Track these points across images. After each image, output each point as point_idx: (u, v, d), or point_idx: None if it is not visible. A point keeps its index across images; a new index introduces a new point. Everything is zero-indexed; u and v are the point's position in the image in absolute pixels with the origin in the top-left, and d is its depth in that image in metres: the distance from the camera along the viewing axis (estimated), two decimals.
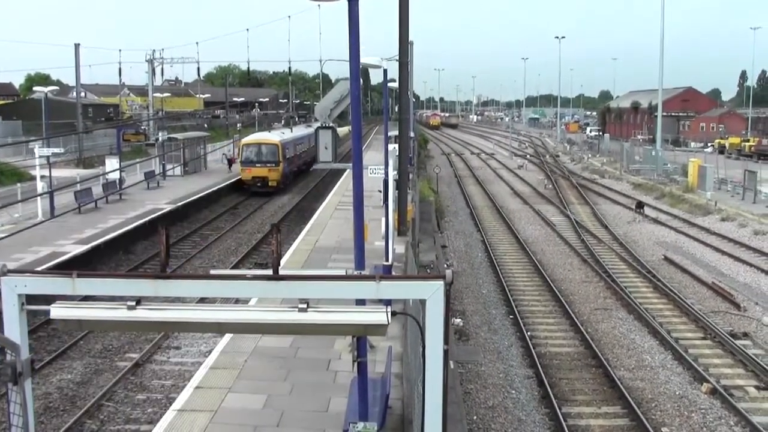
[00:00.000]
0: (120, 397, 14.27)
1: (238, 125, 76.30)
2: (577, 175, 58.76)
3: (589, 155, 75.03)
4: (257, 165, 42.76)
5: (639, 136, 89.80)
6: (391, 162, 16.53)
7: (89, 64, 77.22)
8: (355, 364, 7.25)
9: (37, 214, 27.83)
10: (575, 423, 14.06)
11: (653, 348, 18.20)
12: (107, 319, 4.46)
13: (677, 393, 15.45)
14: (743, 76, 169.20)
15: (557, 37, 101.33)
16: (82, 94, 64.69)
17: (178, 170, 43.68)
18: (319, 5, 55.51)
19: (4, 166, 42.47)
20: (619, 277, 24.86)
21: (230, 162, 49.44)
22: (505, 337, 19.32)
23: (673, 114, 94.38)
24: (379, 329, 4.34)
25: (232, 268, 24.20)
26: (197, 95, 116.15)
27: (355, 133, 8.10)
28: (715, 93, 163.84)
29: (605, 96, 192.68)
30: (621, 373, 16.53)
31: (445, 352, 4.31)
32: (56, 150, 33.35)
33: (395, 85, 24.42)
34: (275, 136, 46.97)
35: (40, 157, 29.88)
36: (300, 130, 55.01)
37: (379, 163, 19.86)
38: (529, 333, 19.08)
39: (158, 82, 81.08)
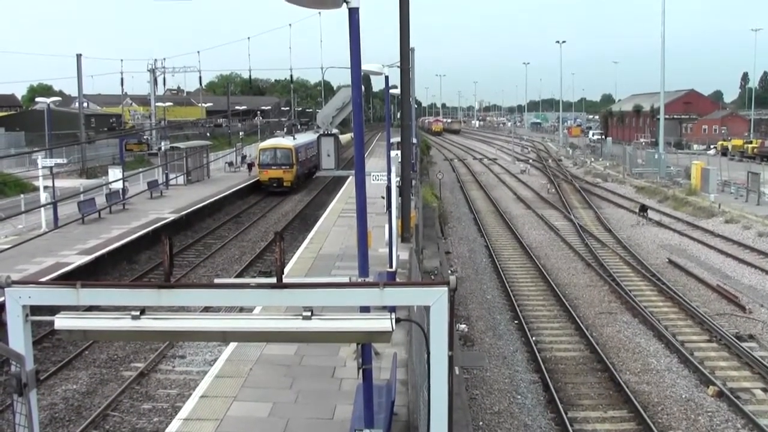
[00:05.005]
0: (125, 406, 14.27)
1: (241, 134, 76.53)
2: (580, 179, 58.70)
3: (592, 159, 74.95)
4: (273, 167, 46.65)
5: (641, 140, 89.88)
6: (393, 168, 16.56)
7: (91, 74, 77.36)
8: (360, 371, 7.23)
9: (40, 225, 27.89)
10: (581, 428, 14.01)
11: (659, 351, 18.14)
12: (112, 329, 4.46)
13: (684, 396, 15.39)
14: (745, 77, 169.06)
15: (558, 42, 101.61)
16: (85, 104, 64.91)
17: (181, 179, 43.83)
18: (320, 13, 55.83)
19: (8, 177, 42.55)
20: (623, 280, 24.80)
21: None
22: (510, 342, 19.28)
23: (675, 117, 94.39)
24: (383, 336, 4.32)
25: (236, 276, 24.20)
26: (199, 104, 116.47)
27: (357, 140, 8.10)
28: (717, 95, 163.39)
29: (607, 100, 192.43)
30: (627, 377, 16.47)
31: (450, 358, 4.30)
32: (59, 160, 33.47)
33: (397, 91, 24.47)
34: (289, 141, 49.81)
35: (43, 167, 29.93)
36: (309, 136, 56.39)
37: (381, 170, 19.90)
38: (534, 338, 19.04)
39: (160, 91, 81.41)
